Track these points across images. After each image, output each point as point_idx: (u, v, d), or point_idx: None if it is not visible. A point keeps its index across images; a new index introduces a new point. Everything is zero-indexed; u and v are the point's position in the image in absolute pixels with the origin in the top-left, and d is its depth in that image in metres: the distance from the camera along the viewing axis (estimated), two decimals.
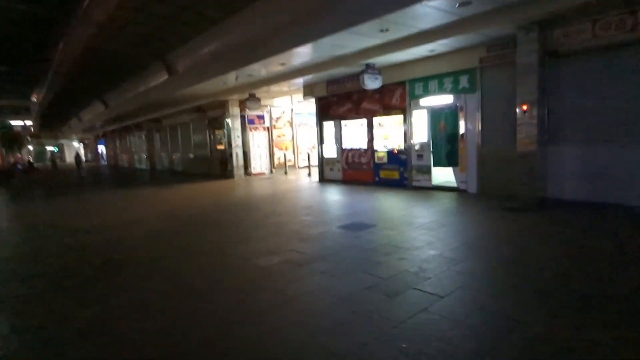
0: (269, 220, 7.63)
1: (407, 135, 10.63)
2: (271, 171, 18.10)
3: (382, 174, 11.50)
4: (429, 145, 10.05)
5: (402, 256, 4.88)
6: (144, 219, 8.69)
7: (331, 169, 13.26)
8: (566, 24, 7.14)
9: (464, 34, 7.68)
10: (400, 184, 10.93)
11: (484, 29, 7.41)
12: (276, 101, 17.79)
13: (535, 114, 7.28)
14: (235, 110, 16.69)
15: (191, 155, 22.18)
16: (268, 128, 17.98)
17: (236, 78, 11.78)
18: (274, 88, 13.96)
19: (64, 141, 52.45)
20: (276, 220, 7.53)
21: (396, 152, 11.02)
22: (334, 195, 10.50)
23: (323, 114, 13.35)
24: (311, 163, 16.09)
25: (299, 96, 18.52)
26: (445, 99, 9.62)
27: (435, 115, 9.82)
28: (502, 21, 7.05)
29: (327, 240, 5.92)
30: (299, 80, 12.63)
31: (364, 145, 12.00)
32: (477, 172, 9.15)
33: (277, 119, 18.30)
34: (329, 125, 13.22)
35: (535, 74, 7.24)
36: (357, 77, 11.26)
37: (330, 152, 13.26)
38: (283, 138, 18.55)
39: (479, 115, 8.95)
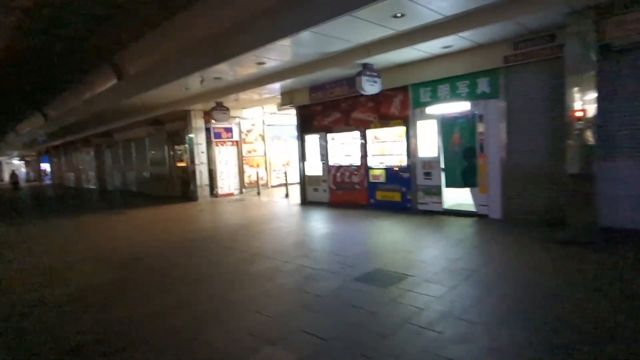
0: (252, 266, 5.56)
1: (410, 150, 8.94)
2: (241, 191, 15.90)
3: (379, 195, 9.71)
4: (439, 161, 8.40)
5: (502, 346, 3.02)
6: (75, 267, 6.33)
7: (315, 190, 11.33)
8: (623, 11, 5.75)
9: (496, 23, 6.12)
10: (402, 208, 9.18)
11: (526, 15, 5.86)
12: (246, 112, 15.76)
13: (592, 124, 5.77)
14: (198, 122, 14.46)
15: (147, 174, 19.51)
16: (237, 142, 15.84)
17: (201, 81, 9.69)
18: (245, 96, 11.95)
19: (2, 159, 47.15)
20: (263, 268, 5.48)
21: (396, 169, 9.29)
22: (326, 224, 8.56)
23: (305, 125, 11.47)
24: (288, 181, 14.07)
25: (272, 106, 16.66)
26: (459, 107, 8.04)
27: (447, 125, 8.21)
28: (552, 3, 5.54)
29: (349, 308, 3.96)
30: (276, 86, 10.72)
31: (356, 162, 10.20)
32: (502, 194, 7.56)
33: (248, 132, 16.22)
34: (312, 139, 11.35)
35: (592, 73, 5.74)
36: (346, 81, 9.59)
37: (314, 169, 11.35)
38: (254, 154, 16.46)
39: (503, 126, 7.40)
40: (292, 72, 9.23)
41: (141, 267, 6.04)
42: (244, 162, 15.98)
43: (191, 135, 14.38)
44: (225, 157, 15.44)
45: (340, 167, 10.63)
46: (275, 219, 9.46)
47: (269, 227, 8.48)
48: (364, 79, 8.20)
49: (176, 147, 17.24)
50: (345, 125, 10.40)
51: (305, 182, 11.60)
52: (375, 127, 9.68)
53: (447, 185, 8.37)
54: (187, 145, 16.01)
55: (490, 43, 7.23)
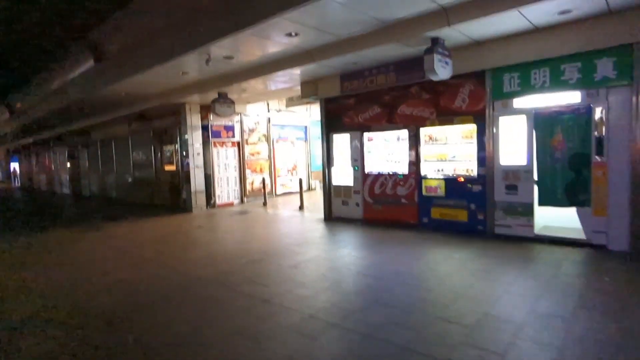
0: (324, 346, 3.29)
1: (484, 156, 6.82)
2: (242, 201, 13.53)
3: (436, 213, 7.55)
4: (531, 171, 6.29)
5: None
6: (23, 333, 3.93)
7: (344, 203, 9.08)
8: None
9: None
10: (469, 230, 7.04)
11: None
12: (249, 108, 13.42)
13: None
14: (194, 118, 12.06)
15: (129, 179, 16.90)
16: (238, 143, 13.48)
17: (207, 61, 7.35)
18: (257, 85, 9.65)
19: None
20: (341, 348, 3.21)
21: (462, 180, 7.15)
22: (376, 254, 6.32)
23: (333, 122, 9.23)
24: (302, 191, 11.79)
25: (277, 103, 14.39)
26: (563, 98, 5.96)
27: (545, 123, 6.12)
28: None
29: None
30: (297, 72, 8.47)
31: (403, 169, 8.02)
32: (630, 218, 5.49)
33: (251, 131, 13.88)
34: (341, 140, 9.11)
35: None
36: (393, 66, 7.61)
37: (343, 178, 9.11)
38: (257, 157, 14.12)
39: (637, 125, 5.34)
40: (329, 51, 7.01)
41: (120, 345, 3.67)
42: (245, 166, 13.61)
43: (186, 135, 11.94)
44: (224, 160, 13.07)
45: (379, 175, 8.43)
46: (302, 243, 7.17)
47: (302, 257, 6.18)
48: (436, 58, 6.03)
49: (165, 147, 14.76)
50: (388, 122, 8.21)
51: (331, 193, 9.34)
52: (432, 124, 7.53)
53: (542, 203, 6.27)
54: (176, 146, 13.59)
55: (627, 8, 5.18)
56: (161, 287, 5.04)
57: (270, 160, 14.59)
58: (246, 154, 13.65)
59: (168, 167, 14.67)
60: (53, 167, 25.55)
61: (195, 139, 12.01)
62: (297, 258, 6.13)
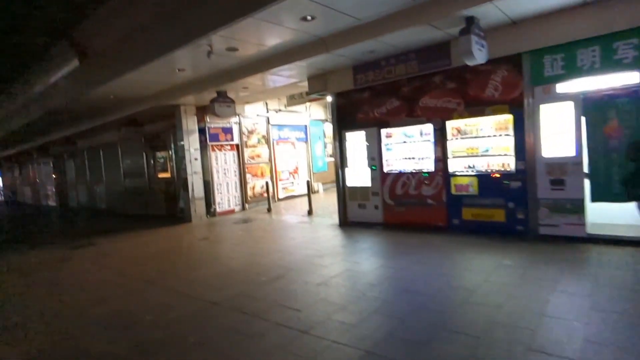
0: None
1: (524, 148, 6.13)
2: (243, 207, 12.69)
3: (468, 213, 6.84)
4: (580, 163, 5.62)
5: None
6: None
7: (362, 206, 8.33)
8: None
9: None
10: (508, 231, 6.35)
11: None
12: (247, 109, 12.60)
13: None
14: (190, 121, 11.20)
15: (120, 188, 15.92)
16: (237, 146, 12.65)
17: (209, 54, 6.52)
18: (259, 82, 8.85)
19: None
20: None
21: (497, 176, 6.46)
22: (422, 267, 5.55)
23: (345, 119, 8.47)
24: (305, 193, 11.01)
25: (276, 103, 13.61)
26: (618, 79, 5.30)
27: (596, 109, 5.45)
28: None
29: None
30: (305, 65, 7.70)
31: (429, 166, 7.31)
32: None
33: (249, 133, 13.05)
34: (355, 137, 8.35)
35: None
36: (415, 54, 6.95)
37: (359, 178, 8.36)
38: (258, 160, 13.29)
39: None
40: (346, 37, 6.27)
41: None
42: (246, 170, 12.78)
43: (182, 140, 11.06)
44: (223, 164, 12.22)
45: (401, 174, 7.69)
46: (324, 254, 6.39)
47: (329, 272, 5.40)
48: (473, 39, 5.32)
49: (158, 153, 13.86)
50: (408, 116, 7.49)
51: (345, 195, 8.57)
52: (461, 116, 6.82)
53: (595, 199, 5.59)
54: (170, 152, 12.73)
55: None
56: (171, 320, 4.21)
57: (271, 162, 13.78)
58: (246, 157, 12.82)
59: (162, 175, 13.80)
60: (38, 178, 24.34)
61: (191, 143, 11.14)
62: (324, 273, 5.35)
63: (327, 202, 12.35)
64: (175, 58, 7.08)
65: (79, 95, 9.71)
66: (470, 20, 5.41)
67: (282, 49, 6.96)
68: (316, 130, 15.96)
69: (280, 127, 14.28)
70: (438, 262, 5.42)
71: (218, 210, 11.92)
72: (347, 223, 8.56)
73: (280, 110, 14.05)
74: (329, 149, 16.68)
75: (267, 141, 13.67)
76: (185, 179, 11.08)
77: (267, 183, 12.03)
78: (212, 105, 9.35)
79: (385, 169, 7.91)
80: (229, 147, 12.39)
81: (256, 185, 13.14)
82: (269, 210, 11.66)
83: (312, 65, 7.71)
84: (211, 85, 8.94)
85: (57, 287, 5.85)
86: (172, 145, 12.89)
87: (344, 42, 6.38)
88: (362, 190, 8.28)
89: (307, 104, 14.98)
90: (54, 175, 21.49)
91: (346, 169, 8.51)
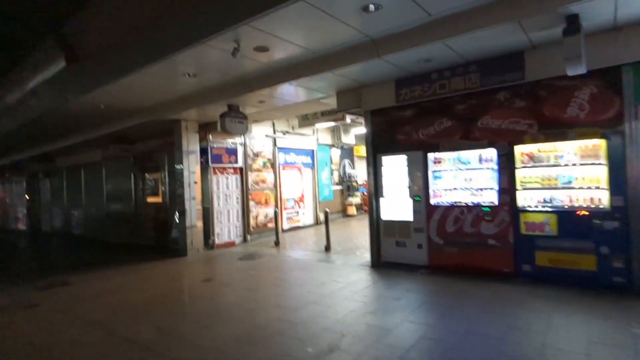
0: None
1: (623, 180, 4.98)
2: (245, 239, 11.15)
3: (543, 258, 5.57)
4: None
5: None
6: None
7: (400, 244, 6.97)
8: None
9: None
10: (600, 283, 5.09)
11: None
12: (255, 129, 11.31)
13: None
14: (192, 139, 9.80)
15: (102, 213, 14.16)
16: (241, 170, 11.25)
17: (234, 52, 5.24)
18: (276, 94, 7.62)
19: None
20: None
21: (584, 213, 5.26)
22: (528, 335, 4.18)
23: (382, 141, 7.24)
24: (326, 225, 9.60)
25: (282, 124, 12.41)
26: None
27: None
28: None
29: None
30: (337, 74, 6.53)
31: (490, 199, 6.07)
32: None
33: (255, 156, 11.70)
34: (393, 162, 7.10)
35: None
36: (477, 65, 5.84)
37: (398, 211, 7.04)
38: (262, 186, 11.88)
39: None
40: (405, 38, 5.12)
41: None
42: (249, 197, 11.34)
43: (182, 161, 9.62)
44: (224, 190, 10.76)
45: (453, 207, 6.42)
46: (376, 309, 4.98)
47: (401, 341, 3.97)
48: (582, 41, 4.22)
49: (148, 175, 12.33)
50: (464, 138, 6.31)
51: (379, 231, 7.22)
52: (534, 140, 5.67)
53: None
54: (164, 173, 11.24)
55: None
56: None
57: (277, 189, 12.38)
58: (250, 182, 11.40)
59: (152, 199, 12.23)
60: (8, 199, 22.16)
61: (191, 164, 9.70)
62: (393, 342, 3.92)
63: (340, 235, 10.96)
64: (186, 59, 5.80)
65: (62, 104, 8.25)
66: (575, 19, 4.33)
67: (322, 52, 5.76)
68: (323, 155, 14.75)
69: (287, 150, 13.00)
70: (545, 326, 4.06)
71: (217, 242, 10.35)
72: (380, 264, 7.17)
73: (287, 132, 12.83)
74: (335, 177, 15.45)
75: (273, 165, 12.33)
76: (182, 205, 9.55)
77: (275, 212, 10.57)
78: (222, 120, 8.02)
79: (433, 201, 6.63)
80: (232, 171, 10.97)
81: (259, 214, 11.67)
82: (277, 243, 10.16)
83: (347, 75, 6.54)
84: (222, 96, 7.64)
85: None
86: (166, 167, 11.42)
87: (401, 45, 5.23)
88: (402, 225, 6.95)
89: (315, 127, 13.86)
90: (26, 196, 19.47)
91: (381, 200, 7.19)
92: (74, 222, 16.02)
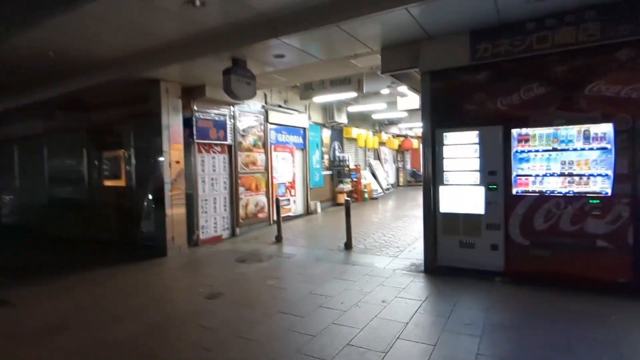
0: None
1: None
2: (233, 232, 9.20)
3: None
4: None
5: None
6: None
7: (465, 244, 5.47)
8: None
9: None
10: None
11: None
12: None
13: None
14: (172, 106, 7.61)
15: (44, 199, 11.42)
16: (230, 148, 9.21)
17: None
18: (304, 45, 5.74)
19: None
20: None
21: None
22: None
23: (444, 112, 5.63)
24: (347, 216, 7.95)
25: (274, 96, 10.49)
26: None
27: None
28: None
29: None
30: (390, 17, 4.84)
31: (601, 188, 4.69)
32: None
33: (245, 132, 9.68)
34: (459, 139, 5.53)
35: None
36: (596, 11, 4.26)
37: (462, 201, 5.50)
38: (253, 169, 9.91)
39: None
40: None
41: None
42: (239, 181, 9.35)
43: (164, 131, 7.42)
44: (210, 172, 8.69)
45: (545, 198, 4.99)
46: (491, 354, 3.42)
47: None
48: None
49: (107, 153, 9.90)
50: (564, 109, 4.87)
51: (436, 225, 5.66)
52: None
53: None
54: (130, 151, 8.98)
55: None
56: None
57: (268, 173, 10.46)
58: (239, 164, 9.40)
59: (111, 183, 9.84)
60: None
61: (172, 138, 7.54)
62: None
63: (341, 226, 9.35)
64: None
65: None
66: None
67: None
68: (314, 136, 12.98)
69: (279, 128, 11.07)
70: None
71: (201, 237, 8.33)
72: (436, 269, 5.64)
73: (280, 106, 10.89)
74: (326, 160, 13.76)
75: (265, 145, 10.37)
76: (160, 191, 7.41)
77: (277, 200, 8.67)
78: (227, 79, 6.00)
79: (515, 190, 5.17)
80: (219, 149, 8.91)
81: (249, 202, 9.73)
82: (279, 239, 8.32)
83: (403, 24, 4.85)
84: (226, 44, 5.65)
85: None
86: (132, 142, 9.11)
87: None
88: (469, 220, 5.44)
89: (307, 102, 12.03)
90: None
91: (441, 188, 5.62)
92: (4, 208, 13.01)
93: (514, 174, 5.18)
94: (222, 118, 8.75)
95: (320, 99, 10.27)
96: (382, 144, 19.03)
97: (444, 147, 5.60)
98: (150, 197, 8.25)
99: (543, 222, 4.98)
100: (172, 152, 7.46)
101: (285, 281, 5.52)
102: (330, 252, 7.17)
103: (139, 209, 8.73)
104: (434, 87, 5.63)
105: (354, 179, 14.64)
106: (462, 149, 5.51)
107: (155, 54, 6.28)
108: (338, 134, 14.73)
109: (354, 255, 6.82)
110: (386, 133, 19.09)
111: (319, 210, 12.51)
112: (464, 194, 5.49)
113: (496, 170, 5.25)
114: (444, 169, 5.62)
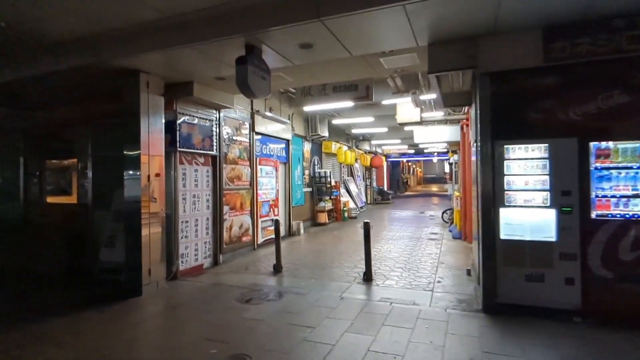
0: None
1: None
2: (215, 261, 7.70)
3: None
4: None
5: None
6: None
7: (532, 277, 4.61)
8: None
9: None
10: None
11: None
12: (237, 102, 7.96)
13: None
14: (155, 105, 6.08)
15: None
16: (214, 159, 7.78)
17: None
18: (341, 29, 4.70)
19: None
20: None
21: None
22: None
23: (506, 120, 4.79)
24: (367, 243, 6.86)
25: (259, 102, 9.32)
26: None
27: None
28: None
29: None
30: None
31: None
32: None
33: (231, 141, 8.32)
34: (523, 154, 4.72)
35: None
36: None
37: (528, 226, 4.65)
38: (237, 184, 8.52)
39: None
40: None
41: None
42: (223, 199, 7.91)
43: (134, 147, 5.87)
44: (192, 187, 7.20)
45: (631, 222, 4.29)
46: None
47: None
48: None
49: (51, 163, 8.06)
50: None
51: (495, 256, 4.75)
52: None
53: None
54: (87, 161, 7.32)
55: None
56: None
57: (253, 189, 9.10)
58: (224, 178, 7.98)
59: (56, 199, 7.98)
60: None
61: (152, 145, 6.01)
62: None
63: (335, 250, 8.28)
64: None
65: None
66: None
67: None
68: (296, 149, 11.84)
69: (263, 139, 9.80)
70: None
71: (180, 267, 6.76)
72: (496, 307, 4.70)
73: (265, 114, 9.66)
74: (306, 176, 12.64)
75: (250, 157, 9.03)
76: (134, 211, 5.81)
77: (276, 221, 7.30)
78: (241, 70, 4.72)
79: (595, 213, 4.42)
80: (202, 160, 7.46)
81: (234, 223, 8.30)
82: (278, 269, 6.97)
83: (464, 12, 4.02)
84: (247, 24, 4.44)
85: None
86: (89, 149, 7.39)
87: None
88: (537, 248, 4.60)
89: (291, 112, 10.95)
90: None
91: (502, 210, 4.74)
92: None
93: (592, 194, 4.44)
94: (208, 123, 7.34)
95: (314, 107, 9.22)
96: (355, 160, 18.29)
97: (505, 162, 4.76)
98: (113, 218, 6.60)
99: (630, 250, 4.26)
100: (151, 163, 5.93)
101: (323, 332, 4.25)
102: (349, 285, 6.01)
103: (95, 233, 6.99)
104: (494, 91, 4.80)
105: (334, 197, 13.61)
106: (527, 165, 4.69)
107: (137, 34, 4.90)
108: (317, 148, 13.69)
109: (381, 290, 5.73)
110: (359, 149, 18.40)
111: (301, 231, 11.26)
112: (530, 217, 4.65)
113: (570, 189, 4.49)
114: (505, 188, 4.76)
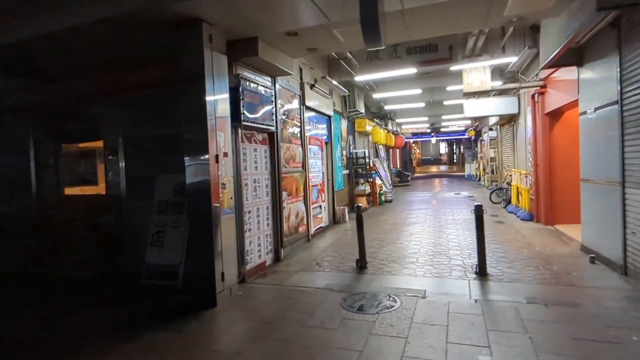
0: None
1: None
2: (278, 256, 6.52)
3: None
4: None
5: None
6: None
7: None
8: None
9: None
10: None
11: None
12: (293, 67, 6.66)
13: None
14: (219, 66, 4.75)
15: None
16: (272, 137, 6.53)
17: None
18: None
19: None
20: None
21: None
22: None
23: None
24: (480, 234, 5.78)
25: (307, 72, 8.06)
26: None
27: None
28: None
29: None
30: None
31: None
32: None
33: (286, 116, 7.07)
34: None
35: None
36: None
37: None
38: (292, 167, 7.31)
39: None
40: None
41: None
42: (282, 183, 6.70)
43: (210, 98, 4.58)
44: (252, 170, 5.97)
45: None
46: None
47: None
48: None
49: (68, 147, 6.73)
50: None
51: None
52: None
53: None
54: (110, 144, 6.02)
55: None
56: None
57: (306, 172, 7.90)
58: (281, 159, 6.75)
59: (77, 191, 6.70)
60: None
61: (219, 115, 4.73)
62: None
63: (399, 238, 7.23)
64: None
65: None
66: None
67: None
68: (336, 127, 10.63)
69: (311, 116, 8.57)
70: None
71: (248, 266, 5.58)
72: None
73: (313, 85, 8.40)
74: (344, 158, 11.47)
75: (301, 135, 7.80)
76: (202, 201, 4.57)
77: (359, 207, 6.09)
78: (370, 3, 3.45)
79: None
80: (260, 138, 6.21)
81: (291, 212, 7.12)
82: (362, 265, 5.83)
83: None
84: None
85: None
86: (121, 127, 6.07)
87: None
88: None
89: (333, 84, 9.69)
90: None
91: None
92: None
93: None
94: (268, 92, 6.05)
95: (377, 75, 8.00)
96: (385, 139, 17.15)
97: None
98: (158, 210, 5.39)
99: None
100: (218, 140, 4.67)
101: (505, 352, 3.16)
102: (464, 281, 4.93)
103: (132, 230, 5.76)
104: None
105: (370, 180, 12.48)
106: None
107: None
108: (352, 126, 12.48)
109: (513, 288, 4.66)
110: (383, 128, 17.24)
111: (347, 218, 10.13)
112: None
113: None
114: None
